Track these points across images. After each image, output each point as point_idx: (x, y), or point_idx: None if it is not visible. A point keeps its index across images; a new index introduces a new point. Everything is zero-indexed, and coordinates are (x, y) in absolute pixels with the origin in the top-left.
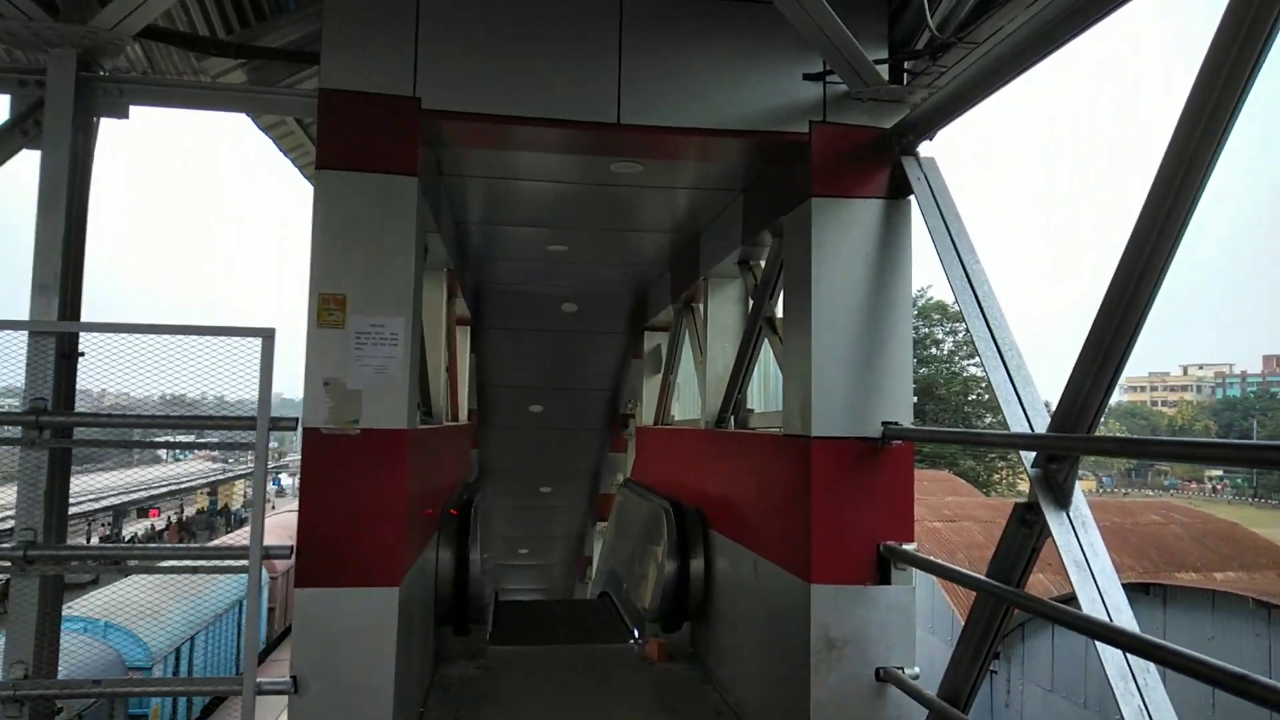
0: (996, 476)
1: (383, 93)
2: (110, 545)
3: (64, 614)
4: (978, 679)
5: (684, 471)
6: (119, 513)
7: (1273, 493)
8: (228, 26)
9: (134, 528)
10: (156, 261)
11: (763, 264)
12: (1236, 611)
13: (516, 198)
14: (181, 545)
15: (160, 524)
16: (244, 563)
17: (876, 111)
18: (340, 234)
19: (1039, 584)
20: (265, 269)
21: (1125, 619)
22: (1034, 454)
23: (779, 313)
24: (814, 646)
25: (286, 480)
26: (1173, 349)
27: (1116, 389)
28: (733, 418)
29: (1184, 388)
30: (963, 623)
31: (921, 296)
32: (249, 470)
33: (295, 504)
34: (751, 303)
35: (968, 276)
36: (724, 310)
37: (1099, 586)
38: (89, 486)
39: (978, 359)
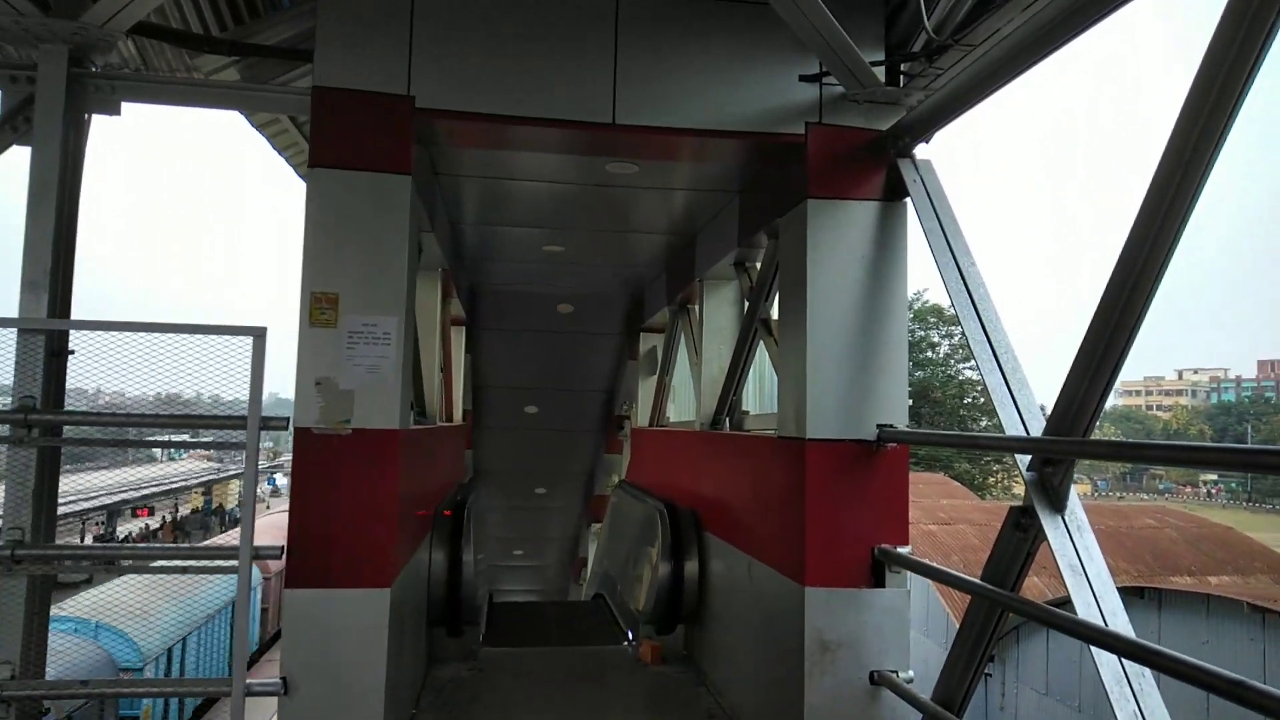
0: (992, 480)
1: (376, 91)
2: (99, 545)
3: (55, 614)
4: (972, 683)
5: (679, 473)
6: (113, 512)
7: (1267, 497)
8: (221, 24)
9: (129, 527)
10: (156, 260)
11: (758, 266)
12: (1231, 616)
13: (512, 198)
14: (171, 545)
15: (155, 523)
16: (234, 563)
17: (873, 113)
18: (333, 232)
19: (1033, 587)
20: (264, 268)
21: (1121, 624)
22: (1029, 457)
23: (774, 315)
24: (808, 650)
25: (282, 480)
26: (1168, 353)
27: (1112, 393)
28: (728, 420)
29: (1179, 392)
30: (957, 625)
31: (918, 300)
32: (238, 470)
33: None
34: (747, 304)
35: (963, 279)
36: (719, 312)
37: (1094, 591)
38: (83, 485)
39: (973, 362)
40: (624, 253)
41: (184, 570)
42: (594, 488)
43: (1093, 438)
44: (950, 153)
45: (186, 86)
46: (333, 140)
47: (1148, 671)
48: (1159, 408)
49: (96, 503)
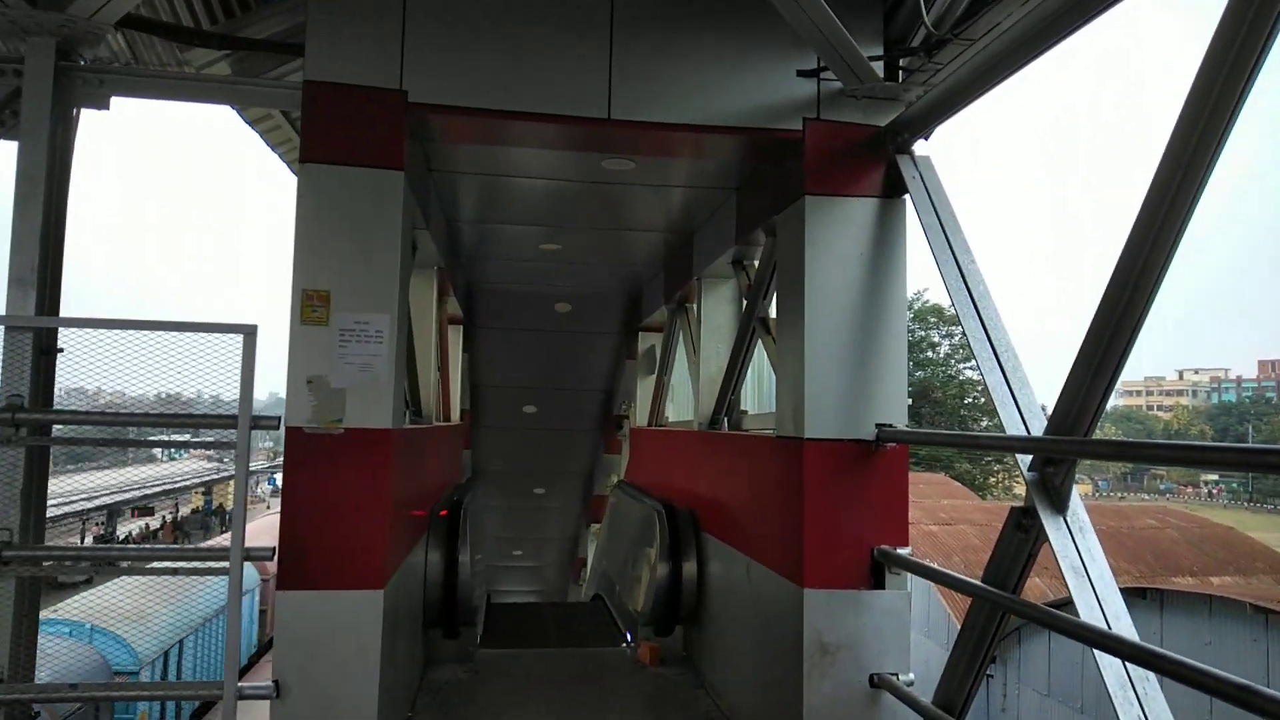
0: (993, 480)
1: (368, 85)
2: (88, 546)
3: (49, 617)
4: (973, 686)
5: (677, 473)
6: (113, 512)
7: (1268, 497)
8: (212, 17)
9: (129, 527)
10: (150, 258)
11: (756, 264)
12: (1233, 616)
13: (508, 195)
14: (162, 546)
15: (155, 523)
16: (225, 564)
17: (871, 109)
18: (324, 229)
19: (1034, 588)
20: (259, 266)
21: (1124, 626)
22: (1030, 457)
23: (772, 313)
24: (807, 652)
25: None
26: (1169, 353)
27: (1113, 393)
28: (726, 419)
29: (1179, 392)
30: (958, 626)
31: (918, 299)
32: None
33: None
34: (745, 303)
35: (963, 276)
36: (718, 310)
37: (1097, 593)
38: (82, 485)
39: (974, 362)
40: (621, 251)
41: (175, 572)
42: (593, 488)
43: (1094, 437)
44: (949, 149)
45: (176, 81)
46: (324, 135)
47: (1152, 675)
48: (1160, 408)
49: (97, 503)
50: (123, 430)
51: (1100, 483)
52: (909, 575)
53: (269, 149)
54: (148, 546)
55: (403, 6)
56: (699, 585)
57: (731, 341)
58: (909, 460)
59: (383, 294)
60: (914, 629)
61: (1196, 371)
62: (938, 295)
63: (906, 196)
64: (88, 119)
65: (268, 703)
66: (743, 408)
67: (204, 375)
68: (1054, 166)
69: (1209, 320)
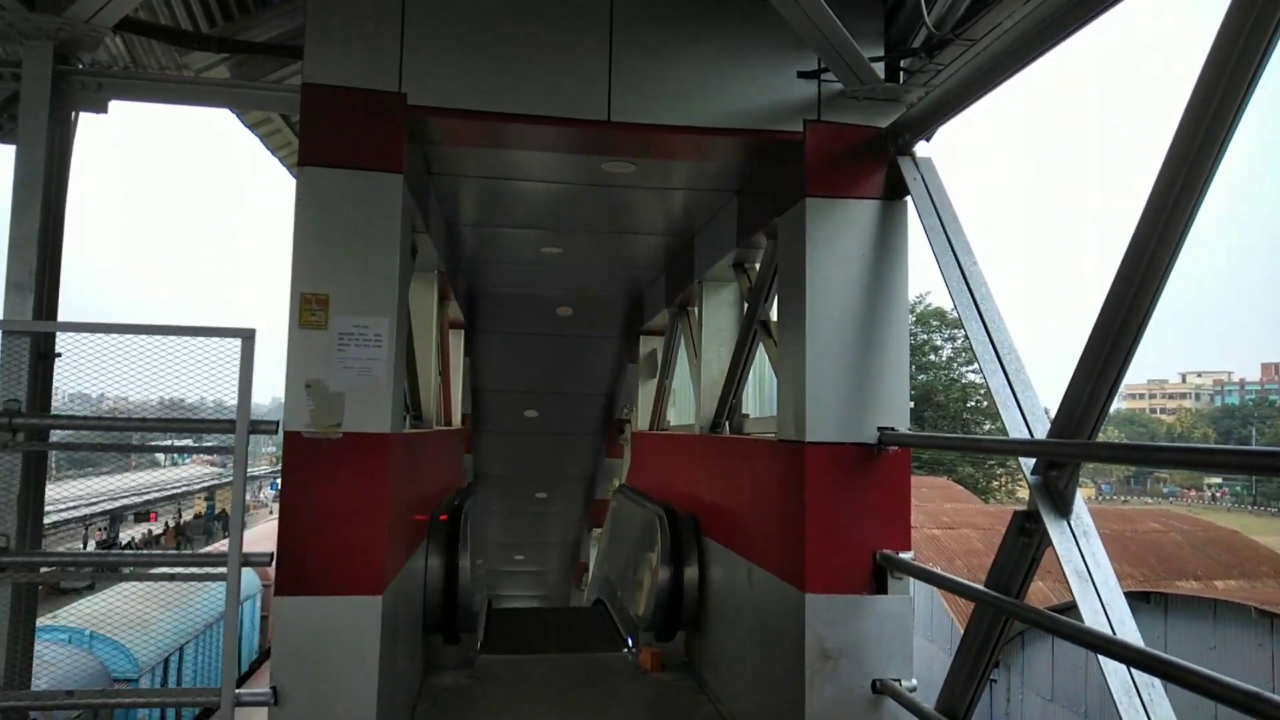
0: (996, 483)
1: (367, 88)
2: (87, 552)
3: (48, 624)
4: (977, 692)
5: (678, 477)
6: (116, 517)
7: (1272, 500)
8: (211, 20)
9: (131, 532)
10: (151, 262)
11: (758, 266)
12: (1239, 620)
13: (508, 199)
14: (159, 552)
15: (157, 529)
16: (222, 570)
17: (872, 110)
18: (323, 232)
19: (1037, 592)
20: (261, 270)
21: (1129, 631)
22: (1034, 460)
23: (774, 316)
24: (809, 657)
25: None
26: (1171, 356)
27: (1116, 395)
28: (727, 423)
29: (1183, 395)
30: (961, 630)
31: (920, 303)
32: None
33: None
34: (746, 306)
35: (965, 279)
36: (719, 314)
37: (1101, 598)
38: (84, 491)
39: (976, 365)
40: (622, 254)
41: (172, 577)
42: (595, 492)
43: (1099, 440)
44: (951, 150)
45: (175, 84)
46: (323, 138)
47: (1157, 681)
48: (1162, 411)
49: (99, 508)
50: (124, 435)
51: (1103, 486)
52: (911, 580)
53: (269, 153)
54: (145, 552)
55: (401, 9)
56: (700, 590)
57: (733, 345)
58: (911, 464)
59: (382, 298)
60: (917, 633)
61: (1199, 374)
62: (940, 299)
63: (908, 198)
64: (86, 123)
65: (266, 710)
66: (744, 411)
67: (206, 380)
68: (1055, 165)
69: (1212, 323)
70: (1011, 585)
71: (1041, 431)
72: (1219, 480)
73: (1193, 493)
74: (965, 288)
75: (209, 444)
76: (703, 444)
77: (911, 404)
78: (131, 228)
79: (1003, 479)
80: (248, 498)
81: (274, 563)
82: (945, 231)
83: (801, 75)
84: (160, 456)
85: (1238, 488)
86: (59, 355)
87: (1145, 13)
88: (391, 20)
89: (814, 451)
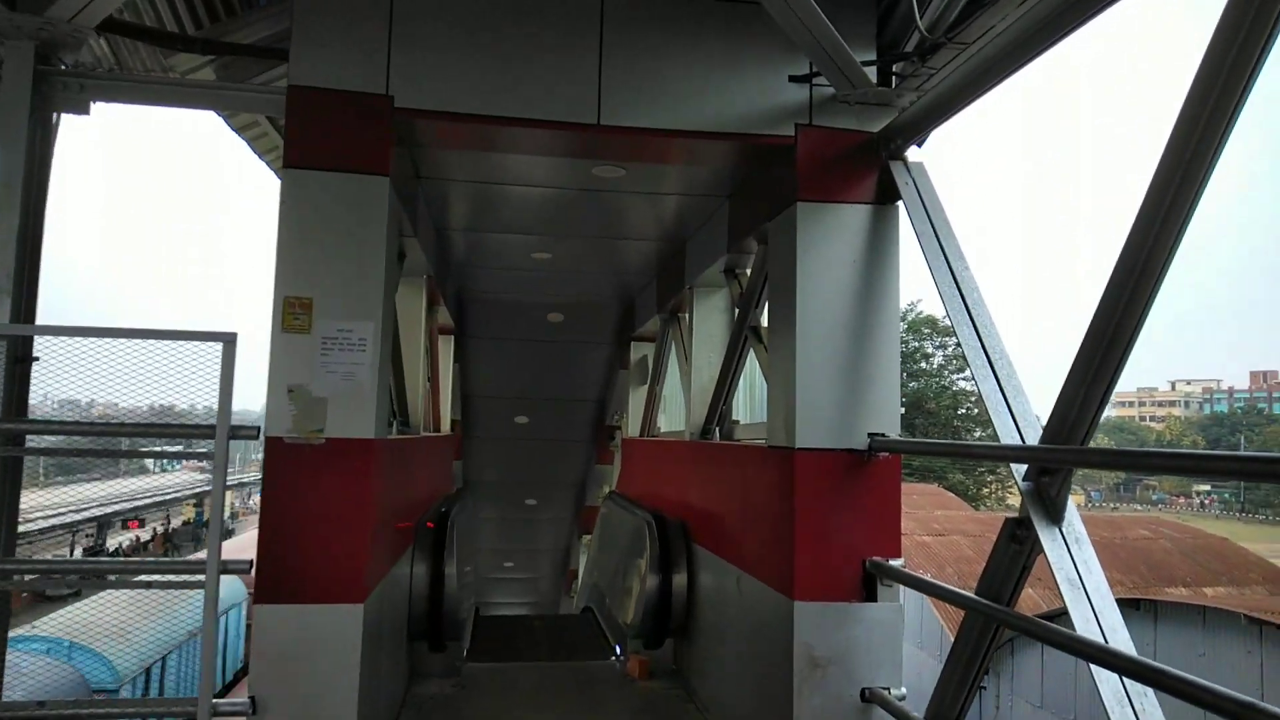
0: (986, 490)
1: (354, 90)
2: (64, 559)
3: (27, 634)
4: (967, 700)
5: (668, 484)
6: (102, 524)
7: (1260, 508)
8: (196, 22)
9: (119, 539)
10: (138, 266)
11: (749, 272)
12: (1228, 627)
13: (498, 203)
14: (137, 559)
15: (145, 535)
16: (200, 578)
17: (864, 115)
18: (307, 235)
19: (1027, 599)
20: (251, 276)
21: (1121, 640)
22: (1025, 467)
23: (765, 322)
24: (797, 665)
25: None
26: (1161, 364)
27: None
28: (718, 429)
29: (1172, 403)
30: (951, 637)
31: (911, 310)
32: (235, 482)
33: None
34: (737, 312)
35: (957, 284)
36: (710, 320)
37: (1093, 606)
38: (71, 498)
39: (967, 373)
40: (613, 260)
41: (149, 585)
42: (585, 499)
43: (1091, 446)
44: (946, 153)
45: (159, 86)
46: (308, 140)
47: (1150, 691)
48: (1152, 419)
49: (86, 515)
50: (114, 441)
51: (1093, 493)
52: (901, 587)
53: (256, 157)
54: (121, 559)
55: (389, 11)
56: (689, 597)
57: (724, 351)
58: (902, 470)
59: (367, 301)
60: (907, 640)
61: (1189, 382)
62: (931, 306)
63: (900, 203)
64: (69, 124)
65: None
66: (735, 417)
67: (192, 386)
68: (1049, 170)
69: (1201, 331)
70: (1002, 593)
71: (1033, 437)
72: (1207, 487)
73: (1181, 500)
74: (957, 293)
75: (192, 450)
76: (693, 450)
77: (902, 411)
78: (115, 231)
79: (993, 486)
80: (238, 504)
81: (254, 570)
82: (937, 236)
83: (793, 79)
84: (150, 463)
85: (1226, 495)
86: (37, 359)
87: (1141, 13)
88: (379, 22)
89: (804, 458)
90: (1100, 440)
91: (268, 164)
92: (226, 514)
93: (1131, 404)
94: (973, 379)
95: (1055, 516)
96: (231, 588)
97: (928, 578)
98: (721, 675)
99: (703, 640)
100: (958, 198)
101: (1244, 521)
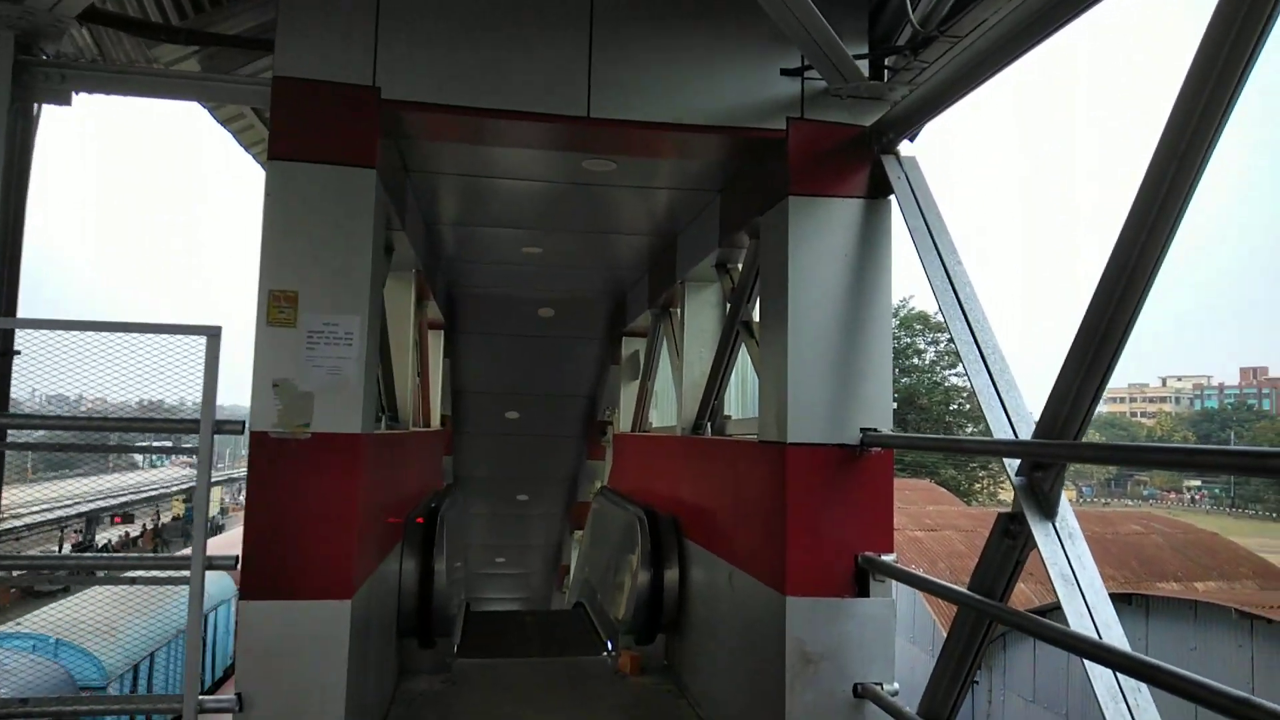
0: (978, 486)
1: (340, 81)
2: (44, 555)
3: (13, 631)
4: (959, 696)
5: (660, 479)
6: (91, 519)
7: (1250, 503)
8: (181, 12)
9: (108, 534)
10: (125, 260)
11: (740, 267)
12: (1219, 622)
13: (487, 197)
14: (120, 555)
15: (135, 531)
16: (186, 574)
17: (856, 109)
18: (292, 228)
19: (1019, 594)
20: (240, 270)
21: (1115, 636)
22: (1018, 462)
23: (756, 316)
24: (789, 661)
25: None
26: (1151, 360)
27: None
28: (709, 424)
29: (1163, 399)
30: (944, 633)
31: (903, 306)
32: (224, 478)
33: None
34: (728, 306)
35: (949, 278)
36: (701, 314)
37: (1087, 601)
38: (60, 493)
39: (959, 369)
40: (605, 254)
41: (133, 581)
42: (577, 494)
43: (1084, 441)
44: (937, 151)
45: (142, 76)
46: (294, 132)
47: (1144, 686)
48: (1143, 414)
49: (76, 510)
50: (103, 436)
51: (1084, 489)
52: (894, 582)
53: (243, 150)
54: (105, 555)
55: (376, 1)
56: (681, 593)
57: (715, 346)
58: (894, 466)
59: (353, 295)
60: (899, 634)
61: (1179, 378)
62: (923, 302)
63: (892, 197)
64: (52, 116)
65: (231, 716)
66: (726, 413)
67: (178, 380)
68: (1043, 164)
69: (1192, 327)
70: (995, 588)
71: (1026, 432)
72: (1198, 483)
73: (1172, 495)
74: (949, 287)
75: (175, 445)
76: (684, 445)
77: (894, 407)
78: (99, 224)
79: (985, 481)
80: (228, 500)
81: (239, 566)
82: (930, 231)
83: (785, 72)
84: (139, 458)
85: (1216, 490)
86: (18, 353)
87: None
88: (365, 13)
89: (795, 453)
90: (1091, 436)
91: (254, 157)
92: (216, 510)
93: (1122, 400)
94: (965, 374)
95: (1048, 511)
96: (220, 584)
97: (920, 573)
98: (713, 671)
99: (694, 636)
100: (955, 196)
101: (1234, 516)
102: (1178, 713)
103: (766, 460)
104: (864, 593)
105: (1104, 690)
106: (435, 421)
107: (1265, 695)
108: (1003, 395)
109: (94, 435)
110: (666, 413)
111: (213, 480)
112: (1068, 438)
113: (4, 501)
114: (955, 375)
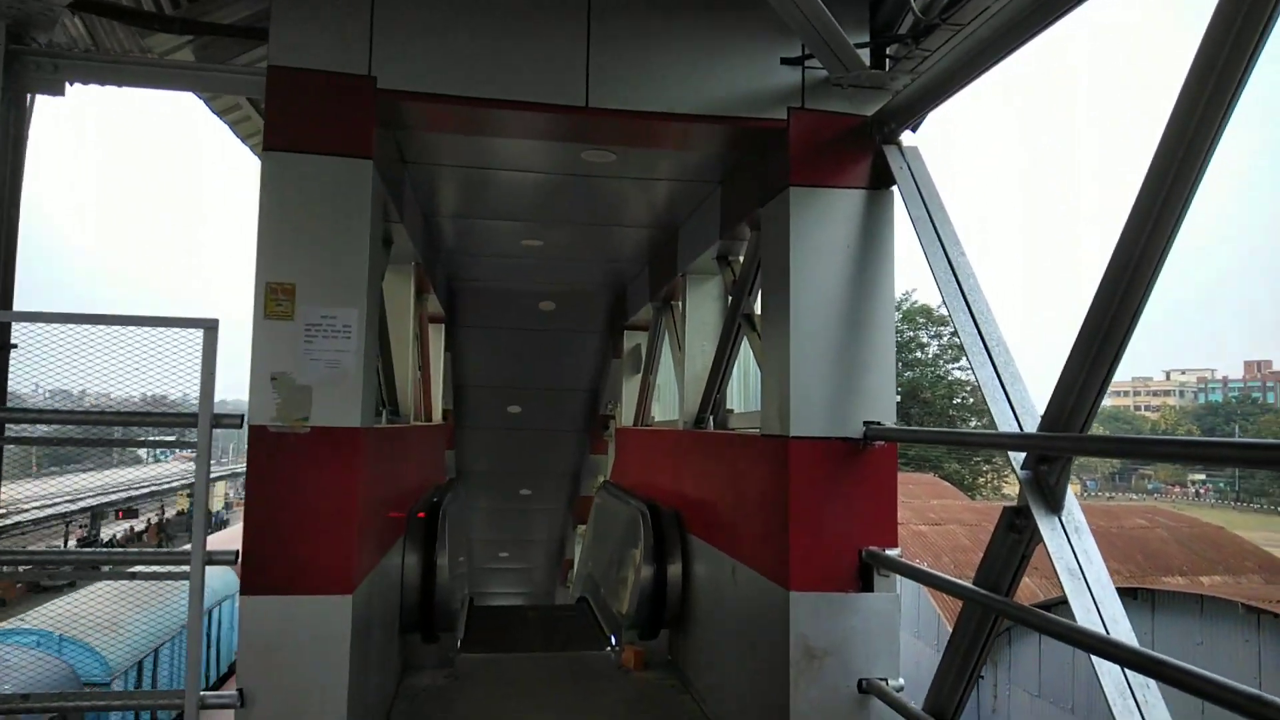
0: (982, 480)
1: (335, 70)
2: (43, 551)
3: (16, 627)
4: (965, 692)
5: (662, 473)
6: (96, 514)
7: (1255, 496)
8: (175, 1)
9: (113, 529)
10: (127, 253)
11: (741, 259)
12: (1225, 616)
13: (486, 189)
14: (120, 550)
15: (139, 526)
16: (186, 569)
17: (857, 98)
18: (289, 219)
19: (1023, 588)
20: (240, 262)
21: (1123, 631)
22: (1023, 455)
23: (758, 309)
24: (793, 657)
25: None
26: (1155, 354)
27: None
28: (711, 418)
29: (1167, 392)
30: (949, 627)
31: (906, 300)
32: (229, 472)
33: None
34: (730, 299)
35: (953, 270)
36: (702, 307)
37: (1094, 596)
38: (65, 488)
39: (963, 362)
40: (605, 247)
41: (133, 577)
42: (579, 489)
43: (1091, 434)
44: (937, 140)
45: (136, 66)
46: (289, 122)
47: (1153, 683)
48: (1147, 408)
49: (80, 505)
50: (108, 431)
51: (1088, 483)
52: (898, 577)
53: (239, 141)
54: (105, 550)
55: None
56: (684, 588)
57: (717, 339)
58: (898, 459)
59: (351, 287)
60: (903, 629)
61: (1183, 372)
62: (926, 296)
63: (894, 188)
64: (46, 106)
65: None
66: (728, 406)
67: (176, 373)
68: (1047, 152)
69: (1196, 321)
70: (1001, 583)
71: (1031, 425)
72: (1203, 477)
73: (1177, 489)
74: (953, 279)
75: (179, 439)
76: (686, 439)
77: (897, 400)
78: (96, 216)
79: (989, 475)
80: (232, 494)
81: (239, 561)
82: (932, 222)
83: (785, 61)
84: (144, 453)
85: (1221, 484)
86: (15, 346)
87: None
88: (360, 1)
89: (798, 446)
90: (1095, 429)
91: (250, 148)
92: (221, 504)
93: (1126, 393)
94: (969, 367)
95: (1055, 505)
96: (225, 579)
97: (924, 567)
98: (717, 666)
99: (698, 631)
100: (958, 187)
101: (1239, 510)
102: (1183, 709)
103: (769, 454)
104: (868, 587)
105: (1112, 686)
106: (437, 416)
107: (1274, 691)
108: (1007, 388)
109: (94, 430)
110: (669, 406)
111: (218, 475)
112: (1073, 430)
113: (11, 497)
114: (959, 369)
